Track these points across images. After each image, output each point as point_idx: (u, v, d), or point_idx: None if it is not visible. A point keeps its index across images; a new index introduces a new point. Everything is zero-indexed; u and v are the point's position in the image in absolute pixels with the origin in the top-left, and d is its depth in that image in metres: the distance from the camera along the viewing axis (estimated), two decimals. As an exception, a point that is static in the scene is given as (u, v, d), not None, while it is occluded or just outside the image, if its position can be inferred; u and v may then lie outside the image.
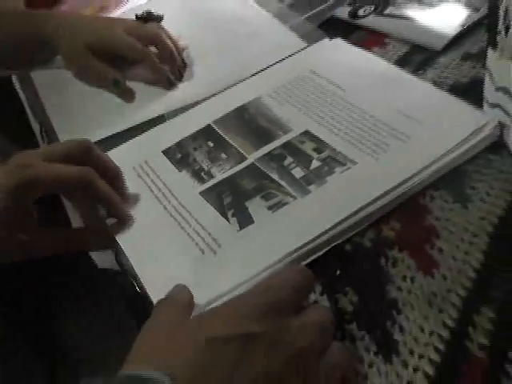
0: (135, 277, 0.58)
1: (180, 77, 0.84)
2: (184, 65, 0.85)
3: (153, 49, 0.83)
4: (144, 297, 0.57)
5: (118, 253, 0.62)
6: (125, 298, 0.91)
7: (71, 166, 0.58)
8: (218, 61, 0.85)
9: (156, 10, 0.91)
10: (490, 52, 0.64)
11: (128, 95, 0.82)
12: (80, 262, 0.93)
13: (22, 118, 1.02)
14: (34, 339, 0.82)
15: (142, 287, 0.58)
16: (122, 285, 0.66)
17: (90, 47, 0.81)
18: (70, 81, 0.86)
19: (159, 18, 0.92)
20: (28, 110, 0.98)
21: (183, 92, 0.81)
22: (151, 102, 0.81)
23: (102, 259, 0.87)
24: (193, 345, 0.40)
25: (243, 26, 0.91)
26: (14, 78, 1.07)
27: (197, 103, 0.77)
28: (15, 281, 0.86)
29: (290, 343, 0.41)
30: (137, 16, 0.92)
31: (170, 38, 0.84)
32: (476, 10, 0.82)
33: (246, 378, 0.38)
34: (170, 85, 0.82)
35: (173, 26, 0.88)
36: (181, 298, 0.48)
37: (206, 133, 0.71)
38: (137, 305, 0.63)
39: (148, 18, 0.91)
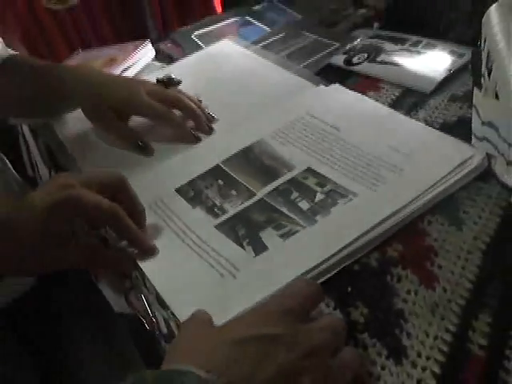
0: (145, 316, 0.63)
1: (210, 130, 0.87)
2: (212, 118, 0.89)
3: (176, 112, 0.86)
4: (152, 334, 0.62)
5: (127, 293, 0.67)
6: (133, 336, 0.95)
7: (105, 198, 0.62)
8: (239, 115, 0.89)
9: (175, 74, 0.96)
10: (475, 91, 0.71)
11: (149, 152, 0.85)
12: (93, 302, 0.96)
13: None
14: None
15: (151, 324, 0.62)
16: (132, 323, 0.70)
17: (115, 109, 0.84)
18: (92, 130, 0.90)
19: (178, 83, 0.97)
20: (35, 158, 1.02)
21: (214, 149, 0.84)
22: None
23: (118, 303, 0.91)
24: (221, 345, 0.45)
25: (253, 77, 0.98)
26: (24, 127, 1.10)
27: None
28: (27, 321, 0.89)
29: (305, 342, 0.46)
30: (158, 80, 0.96)
31: (190, 98, 0.88)
32: (460, 56, 0.91)
33: (268, 372, 0.43)
34: (196, 139, 0.85)
35: (190, 88, 0.93)
36: (202, 315, 0.53)
37: (216, 172, 0.76)
38: (145, 343, 0.68)
39: (168, 82, 0.95)
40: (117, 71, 1.06)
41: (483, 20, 0.79)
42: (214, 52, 1.10)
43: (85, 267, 0.68)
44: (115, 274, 0.81)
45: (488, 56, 0.72)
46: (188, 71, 1.02)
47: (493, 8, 0.79)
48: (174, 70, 0.99)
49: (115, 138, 0.86)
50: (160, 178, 0.78)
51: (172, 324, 0.59)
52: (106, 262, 0.67)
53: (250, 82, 0.96)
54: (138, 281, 0.66)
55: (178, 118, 0.85)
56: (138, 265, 0.65)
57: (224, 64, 1.05)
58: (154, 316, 0.64)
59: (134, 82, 0.90)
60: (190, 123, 0.87)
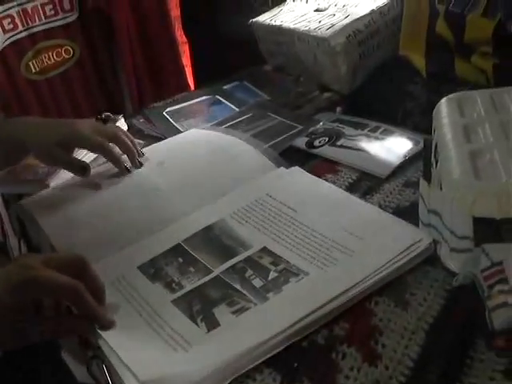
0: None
1: (140, 165, 1.00)
2: (142, 154, 1.02)
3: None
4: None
5: (90, 365, 0.69)
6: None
7: (66, 276, 0.64)
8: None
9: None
10: (421, 181, 0.76)
11: (88, 172, 0.96)
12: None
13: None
14: None
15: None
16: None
17: (61, 144, 0.93)
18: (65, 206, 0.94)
19: (115, 120, 1.11)
20: (6, 227, 1.04)
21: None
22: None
23: (81, 374, 0.91)
24: None
25: (222, 154, 1.02)
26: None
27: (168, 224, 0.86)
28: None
29: None
30: (97, 117, 1.09)
31: (125, 134, 1.00)
32: (416, 143, 0.95)
33: None
34: (127, 171, 0.97)
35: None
36: None
37: (177, 250, 0.79)
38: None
39: (106, 119, 1.10)
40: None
41: (434, 112, 0.84)
42: (185, 136, 1.14)
43: (50, 338, 0.70)
44: (78, 342, 0.82)
45: (436, 147, 0.77)
46: (158, 153, 1.06)
47: (443, 101, 0.84)
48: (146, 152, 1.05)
49: (63, 167, 0.98)
50: (124, 257, 0.80)
51: None
52: (70, 331, 0.70)
53: (218, 159, 1.00)
54: (101, 350, 0.67)
55: (114, 150, 0.96)
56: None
57: (194, 144, 1.10)
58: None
59: (77, 120, 1.00)
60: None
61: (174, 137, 1.13)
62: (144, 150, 1.05)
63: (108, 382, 0.66)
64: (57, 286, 0.64)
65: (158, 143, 1.12)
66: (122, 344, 0.65)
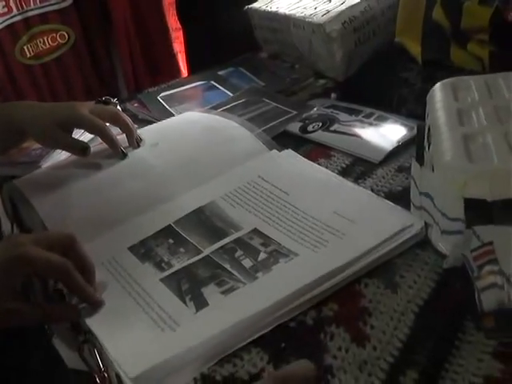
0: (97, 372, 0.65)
1: (138, 146, 0.99)
2: (140, 139, 1.00)
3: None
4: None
5: (81, 350, 0.68)
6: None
7: (55, 254, 0.65)
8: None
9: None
10: (413, 163, 0.75)
11: (88, 151, 0.94)
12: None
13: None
14: None
15: (102, 379, 0.64)
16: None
17: (59, 124, 0.91)
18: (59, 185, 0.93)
19: (116, 105, 1.08)
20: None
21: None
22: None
23: (72, 359, 0.91)
24: None
25: (216, 136, 1.01)
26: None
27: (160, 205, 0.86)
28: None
29: None
30: (97, 101, 1.07)
31: (125, 115, 0.99)
32: (410, 129, 0.95)
33: None
34: (123, 155, 0.96)
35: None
36: None
37: (167, 232, 0.79)
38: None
39: (107, 102, 1.07)
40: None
41: (428, 97, 0.84)
42: (179, 118, 1.13)
43: (40, 322, 0.70)
44: (69, 328, 0.82)
45: (429, 130, 0.77)
46: (153, 134, 1.05)
47: (437, 86, 0.84)
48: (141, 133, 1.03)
49: (64, 148, 0.97)
50: (115, 238, 0.80)
51: (125, 380, 0.60)
52: (60, 316, 0.69)
53: (212, 141, 0.99)
54: (92, 335, 0.67)
55: (111, 132, 0.94)
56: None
57: (188, 126, 1.09)
58: (106, 371, 0.65)
59: (76, 102, 1.00)
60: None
61: (169, 119, 1.13)
62: (139, 131, 1.04)
63: (99, 366, 0.66)
64: (46, 263, 0.64)
65: (152, 125, 1.12)
66: (109, 334, 0.65)
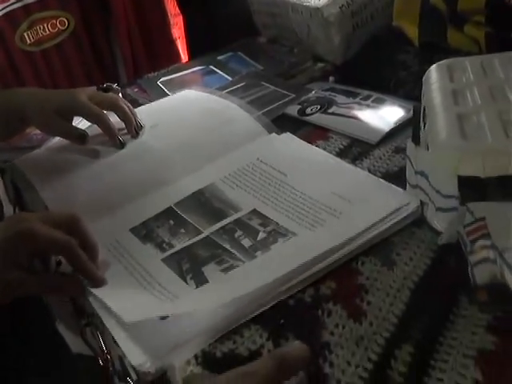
0: (100, 354, 0.66)
1: (137, 135, 0.98)
2: (140, 126, 1.00)
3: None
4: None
5: (83, 333, 0.70)
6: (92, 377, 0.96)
7: (59, 231, 0.66)
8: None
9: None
10: (409, 142, 0.76)
11: (87, 140, 0.94)
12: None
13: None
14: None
15: (105, 360, 0.65)
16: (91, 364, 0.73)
17: (58, 111, 0.92)
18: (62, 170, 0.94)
19: (117, 91, 1.08)
20: (1, 195, 1.05)
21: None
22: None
23: (76, 344, 0.93)
24: None
25: (216, 118, 1.02)
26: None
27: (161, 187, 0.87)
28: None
29: None
30: (98, 87, 1.07)
31: (125, 103, 0.99)
32: (408, 110, 0.95)
33: None
34: (120, 145, 0.96)
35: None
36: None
37: (168, 213, 0.80)
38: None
39: (107, 89, 1.07)
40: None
41: (424, 78, 0.85)
42: (178, 97, 1.15)
43: (41, 294, 0.72)
44: (72, 311, 0.83)
45: (425, 111, 0.78)
46: (152, 114, 1.06)
47: (433, 67, 0.85)
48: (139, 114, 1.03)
49: (62, 136, 0.97)
50: (117, 221, 0.81)
51: (127, 362, 0.61)
52: (58, 289, 0.70)
53: (212, 122, 1.00)
54: (95, 318, 0.68)
55: (109, 121, 0.95)
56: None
57: (188, 106, 1.10)
58: (109, 353, 0.66)
59: (77, 89, 1.00)
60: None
61: (167, 97, 1.15)
62: (137, 109, 1.04)
63: (102, 348, 0.67)
64: (50, 239, 0.65)
65: (151, 103, 1.13)
66: (108, 293, 0.66)
